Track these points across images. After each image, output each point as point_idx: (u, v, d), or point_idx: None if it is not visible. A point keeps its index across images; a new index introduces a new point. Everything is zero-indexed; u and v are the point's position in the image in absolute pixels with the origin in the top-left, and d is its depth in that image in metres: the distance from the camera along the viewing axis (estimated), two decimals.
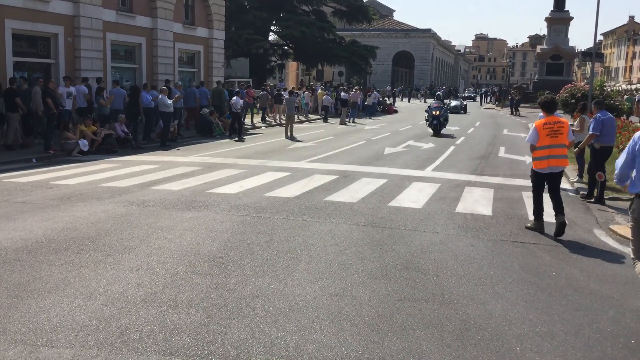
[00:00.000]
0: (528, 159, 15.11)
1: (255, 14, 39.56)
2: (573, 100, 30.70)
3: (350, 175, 12.34)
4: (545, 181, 7.96)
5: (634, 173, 4.67)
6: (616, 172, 4.87)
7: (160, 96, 18.08)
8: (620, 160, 4.84)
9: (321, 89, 36.70)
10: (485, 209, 9.33)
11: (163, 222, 7.82)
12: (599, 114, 10.17)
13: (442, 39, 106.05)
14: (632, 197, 4.78)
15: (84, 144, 15.01)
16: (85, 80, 18.10)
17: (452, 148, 18.58)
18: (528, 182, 11.85)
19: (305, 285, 5.53)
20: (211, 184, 10.79)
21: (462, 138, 22.18)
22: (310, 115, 32.69)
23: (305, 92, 33.36)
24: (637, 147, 4.66)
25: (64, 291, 5.15)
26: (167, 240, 6.95)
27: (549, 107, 7.93)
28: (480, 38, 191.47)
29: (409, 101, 62.42)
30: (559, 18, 52.86)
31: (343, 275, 5.86)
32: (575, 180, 11.89)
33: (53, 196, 9.36)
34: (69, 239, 6.82)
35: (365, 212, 8.85)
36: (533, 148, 7.85)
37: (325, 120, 30.86)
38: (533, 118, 33.78)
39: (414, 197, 10.14)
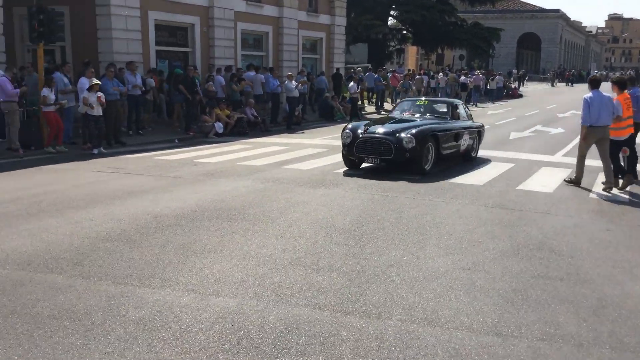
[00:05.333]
0: None
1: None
2: None
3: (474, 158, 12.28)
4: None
5: None
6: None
7: (286, 82, 18.92)
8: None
9: (463, 73, 35.79)
10: (622, 195, 8.97)
11: (298, 197, 8.39)
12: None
13: (572, 19, 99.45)
14: None
15: (219, 127, 16.16)
16: (226, 70, 19.26)
17: None
18: None
19: (437, 259, 5.77)
20: (337, 165, 11.25)
21: None
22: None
23: (441, 76, 33.17)
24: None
25: (221, 252, 5.81)
26: (303, 213, 7.49)
27: (624, 85, 9.30)
28: (613, 18, 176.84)
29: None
30: None
31: (474, 252, 6.03)
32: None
33: (198, 172, 10.31)
34: (219, 209, 7.57)
35: (492, 194, 8.87)
36: (620, 119, 9.05)
37: (467, 103, 30.40)
38: None
39: (544, 181, 9.94)
